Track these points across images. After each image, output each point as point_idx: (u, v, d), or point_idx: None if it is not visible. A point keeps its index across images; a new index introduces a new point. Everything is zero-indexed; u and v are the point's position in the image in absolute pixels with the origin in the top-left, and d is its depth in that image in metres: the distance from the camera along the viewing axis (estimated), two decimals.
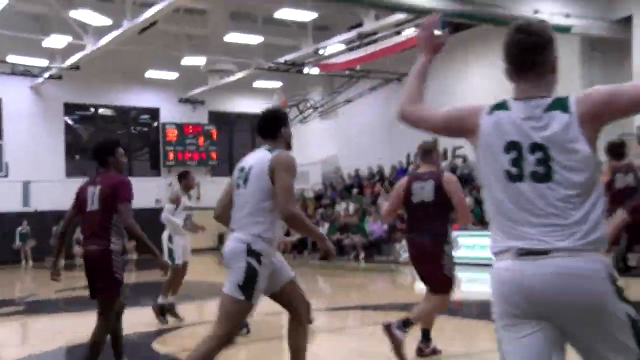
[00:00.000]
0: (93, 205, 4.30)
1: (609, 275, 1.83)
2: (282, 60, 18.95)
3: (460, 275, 12.99)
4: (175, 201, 6.81)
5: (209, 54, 19.19)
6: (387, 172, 20.83)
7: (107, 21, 16.06)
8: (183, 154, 22.96)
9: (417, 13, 14.46)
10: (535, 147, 1.87)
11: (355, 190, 20.20)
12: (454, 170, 18.26)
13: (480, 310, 5.53)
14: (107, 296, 4.28)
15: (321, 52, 18.27)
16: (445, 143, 19.45)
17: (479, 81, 18.47)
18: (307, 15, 17.20)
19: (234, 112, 24.64)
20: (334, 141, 23.42)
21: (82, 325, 7.37)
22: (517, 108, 1.94)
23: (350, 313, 7.72)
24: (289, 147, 3.63)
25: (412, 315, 4.62)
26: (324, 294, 10.51)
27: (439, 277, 4.64)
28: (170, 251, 6.60)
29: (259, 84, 22.65)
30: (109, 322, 4.26)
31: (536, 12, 14.31)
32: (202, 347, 3.33)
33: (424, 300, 4.83)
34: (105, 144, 4.63)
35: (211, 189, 21.61)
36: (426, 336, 4.82)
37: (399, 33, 16.77)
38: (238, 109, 24.60)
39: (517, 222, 1.87)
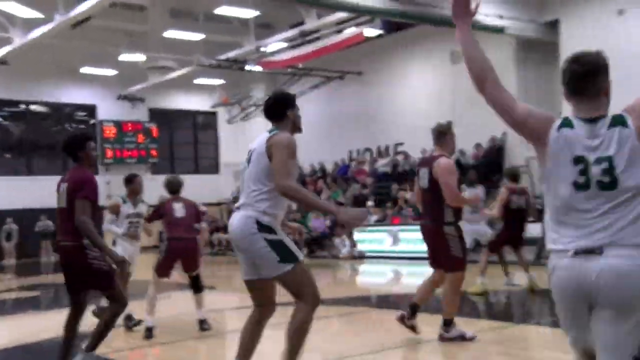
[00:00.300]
0: (61, 201, 4.27)
1: None
2: (223, 57, 18.77)
3: (402, 268, 13.26)
4: (114, 209, 6.47)
5: (148, 50, 18.77)
6: (329, 168, 21.00)
7: (35, 14, 15.42)
8: (121, 152, 22.39)
9: (359, 12, 14.64)
10: (600, 160, 2.16)
11: None
12: (395, 165, 18.63)
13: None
14: (104, 289, 4.32)
15: (263, 49, 18.21)
16: (387, 140, 19.82)
17: (418, 81, 18.89)
18: (248, 12, 17.10)
19: (174, 108, 24.23)
20: None
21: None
22: (580, 126, 2.22)
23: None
24: (296, 128, 3.68)
25: (443, 308, 5.01)
26: None
27: (447, 258, 4.95)
28: None
29: (200, 80, 22.34)
30: (118, 304, 4.29)
31: None
32: (297, 316, 3.44)
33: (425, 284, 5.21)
34: (74, 137, 4.48)
35: (151, 187, 21.15)
36: (414, 310, 5.14)
37: (340, 31, 16.93)
38: (179, 106, 24.20)
39: (577, 225, 2.18)
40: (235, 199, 22.14)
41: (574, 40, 15.00)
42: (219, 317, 6.68)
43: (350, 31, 16.63)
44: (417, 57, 18.87)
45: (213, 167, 25.05)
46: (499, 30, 15.05)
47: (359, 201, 17.70)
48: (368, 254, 15.16)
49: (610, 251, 2.11)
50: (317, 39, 17.09)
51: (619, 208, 2.14)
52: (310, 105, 22.17)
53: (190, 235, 5.98)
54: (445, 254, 4.92)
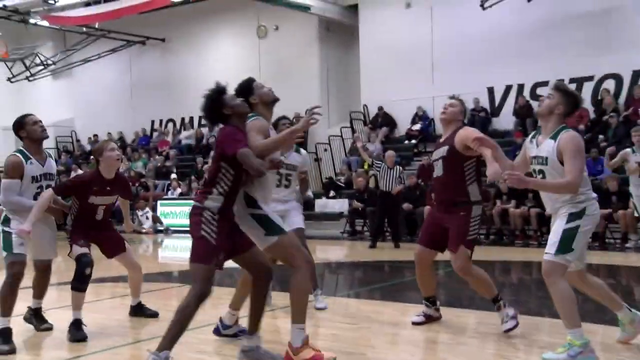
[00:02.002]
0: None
1: None
2: None
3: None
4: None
5: None
6: (129, 138, 19.89)
7: None
8: None
9: None
10: None
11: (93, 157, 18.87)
12: (199, 138, 18.22)
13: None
14: None
15: (51, 1, 16.40)
16: (191, 111, 19.27)
17: (225, 53, 18.63)
18: None
19: None
20: (68, 103, 21.41)
21: None
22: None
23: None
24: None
25: None
26: None
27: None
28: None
29: None
30: None
31: None
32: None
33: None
34: None
35: None
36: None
37: None
38: None
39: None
40: None
41: (370, 26, 16.01)
42: None
43: None
44: (223, 28, 18.56)
45: None
46: (305, 8, 15.43)
47: (162, 173, 17.07)
48: (172, 228, 14.72)
49: None
50: None
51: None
52: (108, 70, 20.62)
53: None
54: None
